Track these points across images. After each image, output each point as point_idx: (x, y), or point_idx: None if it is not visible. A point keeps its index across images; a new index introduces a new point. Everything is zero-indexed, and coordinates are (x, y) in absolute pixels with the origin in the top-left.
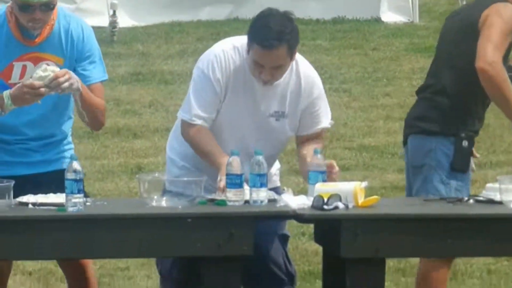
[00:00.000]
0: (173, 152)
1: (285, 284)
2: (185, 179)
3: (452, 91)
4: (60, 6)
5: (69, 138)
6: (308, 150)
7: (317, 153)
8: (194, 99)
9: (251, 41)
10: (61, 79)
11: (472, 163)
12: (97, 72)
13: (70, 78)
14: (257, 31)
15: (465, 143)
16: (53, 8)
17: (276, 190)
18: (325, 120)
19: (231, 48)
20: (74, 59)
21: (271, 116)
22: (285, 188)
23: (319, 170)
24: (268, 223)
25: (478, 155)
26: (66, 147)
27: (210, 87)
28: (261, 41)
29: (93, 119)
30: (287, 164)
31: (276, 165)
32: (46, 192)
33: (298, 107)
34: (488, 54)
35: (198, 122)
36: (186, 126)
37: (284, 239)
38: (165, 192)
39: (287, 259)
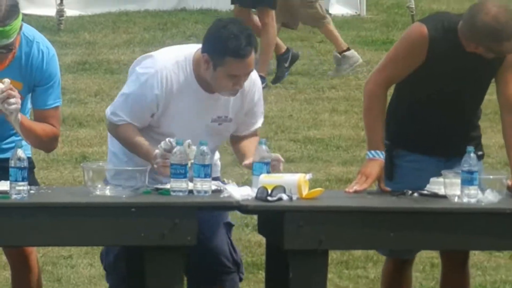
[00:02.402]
0: (116, 147)
1: (232, 272)
2: (130, 168)
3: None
4: (25, 26)
5: None
6: (248, 145)
7: (262, 144)
8: (124, 107)
9: (222, 55)
10: (12, 93)
11: None
12: (53, 97)
13: (18, 101)
14: (226, 43)
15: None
16: (12, 50)
17: (217, 180)
18: (260, 120)
19: (174, 64)
20: (33, 84)
21: (213, 122)
22: (226, 180)
23: (263, 161)
24: (211, 212)
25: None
26: (19, 137)
27: (142, 102)
28: (236, 51)
29: (39, 146)
30: (231, 156)
31: (216, 155)
32: None
33: (241, 110)
34: (370, 75)
35: (119, 123)
36: (113, 126)
37: (228, 227)
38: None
39: (232, 247)
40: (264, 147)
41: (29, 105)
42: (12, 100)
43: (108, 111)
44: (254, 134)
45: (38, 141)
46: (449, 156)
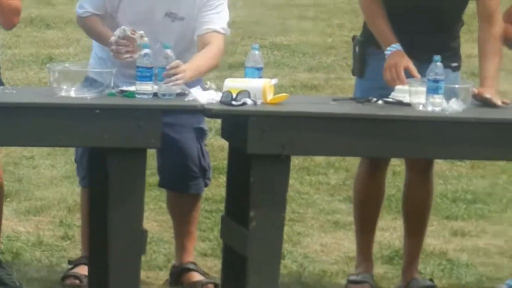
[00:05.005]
0: (96, 48)
1: (197, 177)
2: (96, 69)
3: None
4: None
5: None
6: (197, 55)
7: (255, 50)
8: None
9: None
10: None
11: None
12: None
13: None
14: None
15: (356, 48)
16: None
17: (198, 80)
18: (218, 23)
19: None
20: None
21: (166, 16)
22: (208, 82)
23: (255, 67)
24: (184, 116)
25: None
26: None
27: None
28: None
29: (1, 17)
30: None
31: None
32: None
33: (193, 8)
34: None
35: (85, 15)
36: (80, 19)
37: (201, 132)
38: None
39: (202, 152)
40: (257, 52)
41: None
42: None
43: (76, 6)
44: (207, 40)
45: (2, 12)
46: (422, 61)
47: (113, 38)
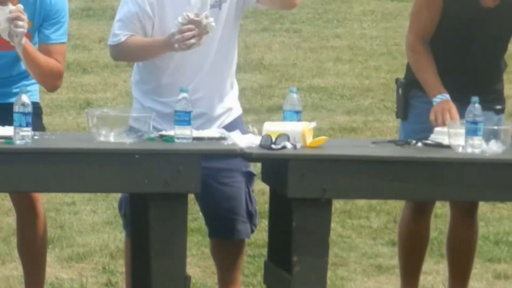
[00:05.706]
0: (138, 93)
1: (244, 222)
2: (134, 115)
3: None
4: None
5: None
6: None
7: (293, 93)
8: (121, 26)
9: None
10: (21, 15)
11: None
12: (59, 33)
13: (25, 26)
14: None
15: (399, 91)
16: None
17: (240, 124)
18: None
19: None
20: (41, 21)
21: (213, 8)
22: (250, 126)
23: (294, 110)
24: (233, 161)
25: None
26: (29, 81)
27: (136, 9)
28: None
29: (42, 81)
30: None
31: (235, 89)
32: (2, 124)
33: None
34: (406, 39)
35: (123, 38)
36: (113, 48)
37: (249, 176)
38: (130, 128)
39: (249, 197)
40: (295, 95)
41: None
42: (19, 23)
43: (108, 41)
44: None
45: (41, 73)
46: (465, 103)
47: (174, 30)
